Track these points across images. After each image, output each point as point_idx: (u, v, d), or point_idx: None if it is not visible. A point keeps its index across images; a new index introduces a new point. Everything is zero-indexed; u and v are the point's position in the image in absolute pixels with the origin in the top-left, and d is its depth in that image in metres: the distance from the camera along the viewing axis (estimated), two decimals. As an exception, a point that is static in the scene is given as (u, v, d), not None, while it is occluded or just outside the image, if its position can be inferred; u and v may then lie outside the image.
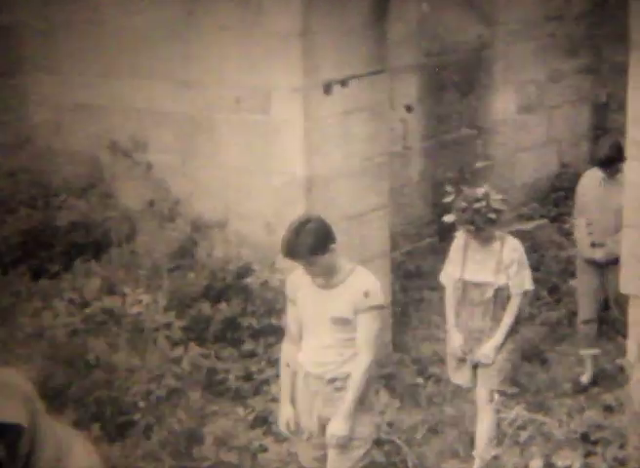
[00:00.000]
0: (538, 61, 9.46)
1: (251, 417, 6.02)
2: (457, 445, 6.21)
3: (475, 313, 5.98)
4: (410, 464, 5.95)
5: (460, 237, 6.09)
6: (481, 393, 6.02)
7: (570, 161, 9.74)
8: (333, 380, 4.96)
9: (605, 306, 7.27)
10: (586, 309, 7.26)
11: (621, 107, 6.43)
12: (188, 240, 6.89)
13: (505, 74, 9.21)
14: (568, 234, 8.48)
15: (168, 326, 6.32)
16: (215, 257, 6.84)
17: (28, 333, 6.17)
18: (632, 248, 5.91)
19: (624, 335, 6.96)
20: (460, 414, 6.47)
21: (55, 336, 6.12)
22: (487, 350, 5.94)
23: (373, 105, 6.90)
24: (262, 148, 6.74)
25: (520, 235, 8.24)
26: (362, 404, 4.94)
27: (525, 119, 9.52)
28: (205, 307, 6.51)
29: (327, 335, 4.93)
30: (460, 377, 6.14)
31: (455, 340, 6.03)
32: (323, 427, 5.00)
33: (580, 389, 7.15)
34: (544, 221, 9.06)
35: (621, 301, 6.97)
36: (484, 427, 6.01)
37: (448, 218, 5.96)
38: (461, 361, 6.06)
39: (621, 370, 6.35)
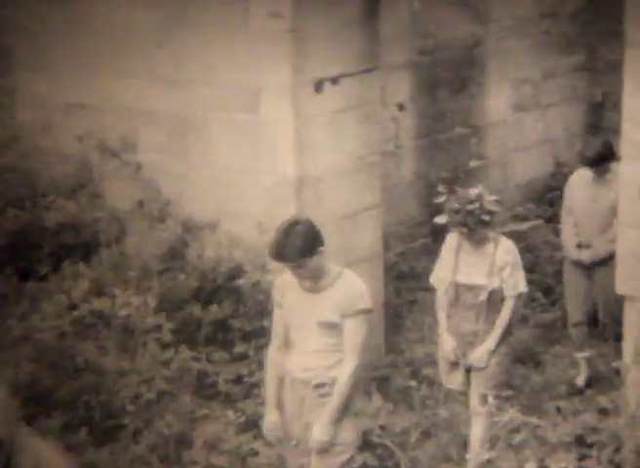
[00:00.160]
0: (532, 59, 9.44)
1: (241, 421, 5.99)
2: (450, 448, 6.19)
3: (468, 316, 5.93)
4: (403, 468, 5.91)
5: (451, 238, 6.03)
6: (474, 396, 5.96)
7: (565, 160, 9.70)
8: (319, 386, 4.92)
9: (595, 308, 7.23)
10: (575, 312, 7.22)
11: (617, 106, 6.41)
12: (179, 241, 6.87)
13: (499, 72, 9.20)
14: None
15: (158, 328, 6.29)
16: (205, 258, 6.82)
17: (16, 336, 6.13)
18: (628, 247, 5.89)
19: (614, 338, 6.95)
20: (453, 417, 6.41)
21: (43, 339, 6.09)
22: (480, 354, 5.89)
23: (364, 104, 6.88)
24: (253, 148, 6.72)
25: (515, 236, 8.20)
26: (347, 409, 4.90)
27: (519, 118, 9.51)
28: (195, 309, 6.48)
29: (313, 340, 4.89)
30: (452, 381, 6.09)
31: (447, 344, 5.98)
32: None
33: (574, 391, 7.12)
34: (539, 222, 9.02)
35: (609, 304, 6.94)
36: (478, 430, 5.98)
37: (440, 220, 5.91)
38: (454, 365, 6.00)
39: (617, 372, 6.32)
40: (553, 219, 9.15)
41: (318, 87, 6.59)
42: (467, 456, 6.03)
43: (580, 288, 7.14)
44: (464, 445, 6.11)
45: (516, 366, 6.59)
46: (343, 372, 4.84)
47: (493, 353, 5.89)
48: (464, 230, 5.83)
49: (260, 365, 6.20)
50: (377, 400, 6.36)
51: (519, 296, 5.98)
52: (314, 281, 4.88)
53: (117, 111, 7.17)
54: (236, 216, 6.81)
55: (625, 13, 5.80)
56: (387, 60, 7.68)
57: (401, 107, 8.46)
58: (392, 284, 7.78)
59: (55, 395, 5.82)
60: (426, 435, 6.28)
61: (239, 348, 6.42)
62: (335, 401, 4.83)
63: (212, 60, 6.73)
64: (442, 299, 6.04)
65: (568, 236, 7.14)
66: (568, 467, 5.32)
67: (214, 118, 6.82)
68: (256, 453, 5.76)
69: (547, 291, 8.02)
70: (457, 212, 5.80)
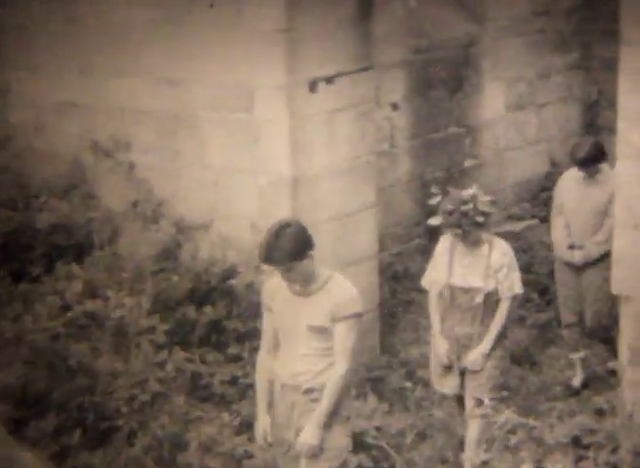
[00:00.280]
0: (527, 58, 9.43)
1: (236, 423, 5.97)
2: (446, 450, 6.16)
3: (463, 319, 5.89)
4: (398, 470, 5.89)
5: (445, 240, 5.99)
6: (469, 399, 5.93)
7: (561, 160, 9.67)
8: (309, 391, 4.89)
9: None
10: (568, 314, 7.20)
11: (612, 105, 6.39)
12: (172, 242, 6.86)
13: (494, 71, 9.18)
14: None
15: (152, 329, 6.27)
16: (199, 259, 6.82)
17: (9, 338, 6.10)
18: (624, 247, 5.87)
19: (603, 342, 6.93)
20: (449, 419, 6.38)
21: (36, 341, 6.06)
22: (475, 356, 5.86)
23: (359, 103, 6.86)
24: (247, 148, 6.70)
25: (510, 236, 8.19)
26: (337, 414, 4.86)
27: (515, 117, 9.49)
28: (189, 310, 6.47)
29: (303, 344, 4.86)
30: (445, 385, 6.05)
31: (440, 347, 5.94)
32: None
33: (570, 392, 7.10)
34: (535, 222, 9.00)
35: (598, 305, 6.92)
36: (473, 432, 5.95)
37: (434, 221, 5.87)
38: (447, 368, 5.96)
39: (613, 372, 6.30)
40: (549, 219, 9.13)
41: (313, 86, 6.57)
42: (463, 457, 5.99)
43: (571, 289, 7.11)
44: (461, 446, 6.08)
45: (512, 367, 6.56)
46: (333, 376, 4.81)
47: (488, 356, 5.86)
48: (459, 232, 5.79)
49: (255, 366, 6.19)
50: (372, 401, 6.33)
51: (514, 298, 5.95)
52: (304, 285, 4.84)
53: (110, 111, 7.15)
54: (230, 217, 6.79)
55: (621, 11, 5.78)
56: (382, 60, 7.67)
57: (395, 107, 8.44)
58: (387, 284, 7.76)
59: (48, 397, 5.80)
60: (422, 436, 6.26)
61: (233, 349, 6.41)
62: (324, 405, 4.80)
63: (206, 60, 6.72)
64: (435, 302, 6.00)
65: (559, 237, 7.10)
66: (564, 468, 5.34)
67: (208, 118, 6.80)
68: (251, 456, 5.73)
69: (543, 291, 8.00)
70: (450, 213, 5.76)
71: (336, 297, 4.80)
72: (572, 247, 7.03)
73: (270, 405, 5.03)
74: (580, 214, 6.98)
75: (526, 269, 7.89)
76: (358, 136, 6.89)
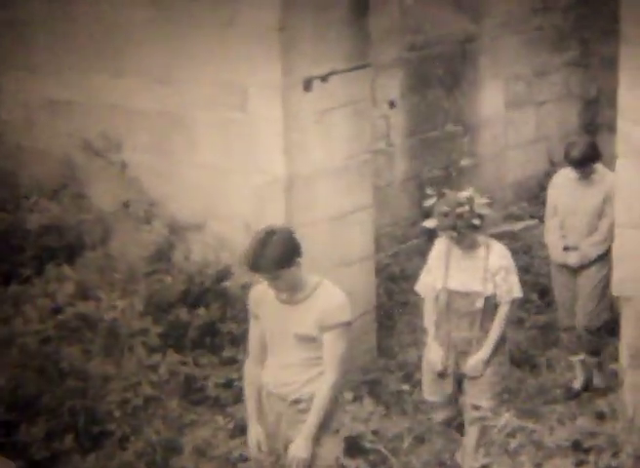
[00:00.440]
0: (525, 55, 9.42)
1: (231, 426, 5.94)
2: (444, 453, 6.12)
3: (461, 324, 5.80)
4: (396, 474, 5.85)
5: (440, 243, 5.91)
6: (467, 405, 5.85)
7: (560, 159, 9.60)
8: (296, 402, 4.82)
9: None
10: (565, 317, 7.13)
11: (612, 103, 6.31)
12: (165, 243, 6.83)
13: (492, 69, 9.17)
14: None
15: (144, 332, 6.25)
16: (192, 261, 6.79)
17: (-2, 340, 6.09)
18: (624, 247, 5.83)
19: (592, 353, 6.87)
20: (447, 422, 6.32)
21: (26, 344, 6.04)
22: (475, 362, 5.77)
23: (355, 102, 6.82)
24: (241, 147, 6.67)
25: (509, 236, 8.13)
26: (327, 426, 4.79)
27: (513, 115, 9.48)
28: (183, 312, 6.44)
29: (290, 353, 4.79)
30: (436, 393, 5.93)
31: (435, 353, 5.85)
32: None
33: (571, 395, 7.05)
34: (534, 222, 8.96)
35: (591, 306, 6.86)
36: (472, 437, 5.88)
37: (428, 224, 5.79)
38: (440, 375, 5.86)
39: (615, 374, 6.26)
40: (547, 220, 9.13)
41: (307, 85, 6.54)
42: (458, 458, 5.92)
43: (569, 292, 7.03)
44: (459, 450, 6.04)
45: (512, 369, 6.49)
46: (323, 387, 4.73)
47: (488, 362, 5.77)
48: (454, 234, 5.71)
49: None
50: (368, 404, 6.31)
51: (513, 302, 5.86)
52: (291, 292, 4.77)
53: (102, 109, 7.13)
54: (224, 217, 6.75)
55: (621, 8, 5.74)
56: (378, 58, 7.64)
57: (392, 105, 8.42)
58: (384, 285, 7.73)
59: (39, 401, 5.77)
60: (420, 440, 6.23)
61: (228, 352, 6.37)
62: (313, 416, 4.73)
63: (199, 58, 6.69)
64: (430, 308, 5.90)
65: (554, 239, 7.02)
66: (565, 472, 5.29)
67: (201, 116, 6.76)
68: (246, 459, 5.65)
69: (543, 292, 7.94)
70: (446, 215, 5.68)
71: (324, 305, 4.72)
72: (567, 248, 6.95)
73: (261, 413, 4.96)
74: (575, 216, 6.91)
75: (525, 270, 7.86)
76: (354, 135, 6.86)
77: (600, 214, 6.81)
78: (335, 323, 4.70)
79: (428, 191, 5.91)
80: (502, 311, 5.78)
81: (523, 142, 9.57)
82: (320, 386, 4.73)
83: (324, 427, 4.76)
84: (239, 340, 6.37)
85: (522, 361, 7.23)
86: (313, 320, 4.70)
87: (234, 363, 6.33)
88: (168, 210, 6.93)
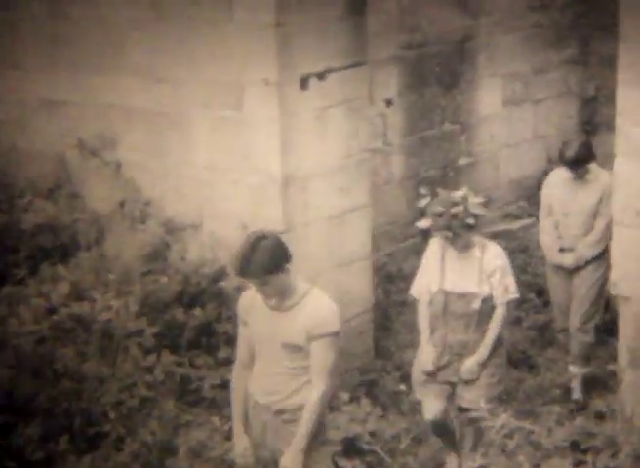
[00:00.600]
0: (523, 53, 9.40)
1: (227, 427, 5.83)
2: (441, 454, 6.11)
3: (456, 326, 5.75)
4: (393, 475, 5.83)
5: (434, 243, 5.86)
6: (462, 408, 5.81)
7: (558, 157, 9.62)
8: (280, 412, 4.77)
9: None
10: (561, 318, 7.09)
11: (610, 101, 6.29)
12: (160, 242, 6.80)
13: (489, 67, 9.16)
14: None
15: (140, 333, 6.21)
16: (188, 261, 6.76)
17: (-7, 341, 6.06)
18: (622, 247, 5.81)
19: (583, 363, 6.84)
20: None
21: (20, 344, 5.98)
22: (471, 365, 5.72)
23: (351, 100, 6.80)
24: (237, 146, 6.64)
25: (506, 235, 8.09)
26: (316, 438, 4.73)
27: (510, 113, 9.46)
28: (178, 313, 6.41)
29: (277, 362, 4.74)
30: (426, 394, 5.88)
31: (428, 354, 5.79)
32: (275, 461, 4.82)
33: (569, 395, 7.00)
34: (532, 221, 8.91)
35: (587, 308, 6.82)
36: (468, 437, 5.85)
37: (422, 224, 5.74)
38: (431, 376, 5.81)
39: (612, 375, 6.24)
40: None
41: (304, 83, 6.51)
42: (450, 460, 5.87)
43: (563, 293, 6.99)
44: (456, 450, 6.02)
45: (509, 370, 6.46)
46: (311, 399, 4.67)
47: (484, 364, 5.71)
48: (449, 234, 5.66)
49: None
50: (365, 405, 6.29)
51: (510, 303, 5.81)
52: (280, 299, 4.71)
53: (96, 108, 7.10)
54: (220, 217, 6.73)
55: (619, 6, 5.72)
56: (375, 56, 7.62)
57: (389, 103, 8.40)
58: (381, 285, 7.71)
59: (33, 402, 5.73)
60: (417, 441, 6.21)
61: (224, 353, 6.33)
62: (303, 428, 4.67)
63: (195, 56, 6.67)
64: (425, 311, 5.85)
65: (548, 240, 6.97)
66: (563, 473, 5.26)
67: (196, 115, 6.74)
68: (241, 461, 5.67)
69: (540, 292, 7.91)
70: (440, 215, 5.63)
71: (312, 314, 4.65)
72: (562, 250, 6.90)
73: (247, 420, 4.92)
74: (570, 216, 6.87)
75: (523, 269, 7.83)
76: (351, 134, 6.83)
77: (595, 215, 6.77)
78: (323, 333, 4.63)
79: (422, 191, 5.86)
80: (499, 313, 5.73)
81: (520, 141, 9.55)
82: (309, 398, 4.67)
83: (314, 439, 4.71)
84: (235, 341, 6.33)
85: (520, 361, 7.22)
86: (301, 328, 4.64)
87: (230, 363, 6.25)
88: (163, 209, 6.91)
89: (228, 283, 6.50)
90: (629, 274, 5.76)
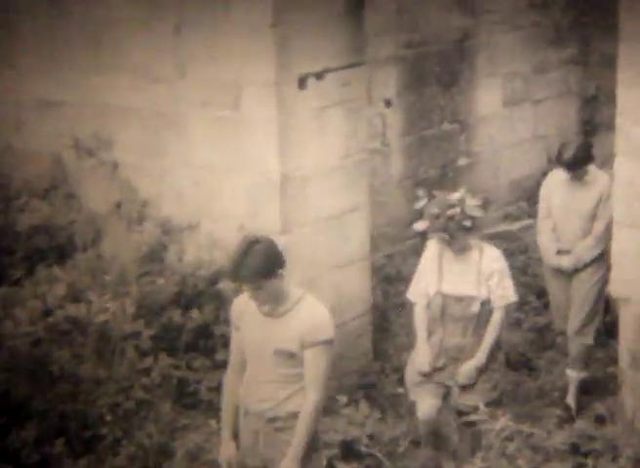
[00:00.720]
0: (522, 52, 9.39)
1: (223, 430, 5.88)
2: (440, 458, 6.04)
3: (454, 330, 5.71)
4: (391, 479, 5.83)
5: (431, 246, 5.82)
6: (458, 411, 5.77)
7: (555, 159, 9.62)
8: (273, 420, 4.72)
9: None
10: (560, 321, 7.03)
11: (611, 101, 6.26)
12: (157, 244, 6.78)
13: (489, 66, 9.14)
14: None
15: (136, 335, 6.20)
16: (185, 262, 6.74)
17: (-12, 343, 6.06)
18: (622, 248, 5.79)
19: (581, 368, 6.80)
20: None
21: (16, 346, 5.97)
22: (469, 368, 5.67)
23: (350, 100, 6.78)
24: (234, 146, 6.62)
25: (506, 236, 8.06)
26: (310, 446, 4.68)
27: (510, 113, 9.44)
28: (175, 315, 6.40)
29: (269, 369, 4.70)
30: (421, 394, 5.83)
31: (424, 355, 5.74)
32: None
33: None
34: (532, 221, 8.88)
35: (586, 311, 6.78)
36: (466, 442, 5.83)
37: (419, 226, 5.70)
38: (426, 376, 5.76)
39: (613, 377, 6.21)
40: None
41: (302, 83, 6.49)
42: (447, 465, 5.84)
43: (563, 295, 6.93)
44: (454, 454, 5.99)
45: (508, 372, 6.45)
46: (305, 407, 4.63)
47: (482, 368, 5.67)
48: (445, 236, 5.62)
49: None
50: (364, 408, 6.29)
51: (508, 307, 5.76)
52: (273, 305, 4.67)
53: (93, 108, 7.08)
54: (217, 218, 6.71)
55: (620, 5, 5.70)
56: (374, 55, 7.61)
57: (388, 103, 8.38)
58: (380, 287, 7.68)
59: (29, 405, 5.73)
60: (416, 444, 6.17)
61: (221, 355, 6.28)
62: (298, 437, 4.62)
63: (192, 56, 6.65)
64: (422, 314, 5.80)
65: (546, 242, 6.91)
66: (563, 477, 5.25)
67: (194, 115, 6.72)
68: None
69: (540, 293, 7.87)
70: (437, 217, 5.59)
71: (306, 320, 4.61)
72: (560, 252, 6.85)
73: (236, 427, 4.87)
74: (568, 218, 6.81)
75: (523, 271, 7.80)
76: (349, 134, 6.81)
77: (593, 217, 6.72)
78: (317, 340, 4.59)
79: (419, 193, 5.83)
80: (497, 316, 5.69)
81: (520, 141, 9.52)
82: (303, 407, 4.63)
83: (308, 446, 4.66)
84: (233, 343, 6.40)
85: (520, 363, 7.19)
86: (294, 335, 4.60)
87: (227, 366, 6.33)
88: (160, 210, 6.89)
89: (226, 285, 6.46)
90: (629, 275, 5.73)
